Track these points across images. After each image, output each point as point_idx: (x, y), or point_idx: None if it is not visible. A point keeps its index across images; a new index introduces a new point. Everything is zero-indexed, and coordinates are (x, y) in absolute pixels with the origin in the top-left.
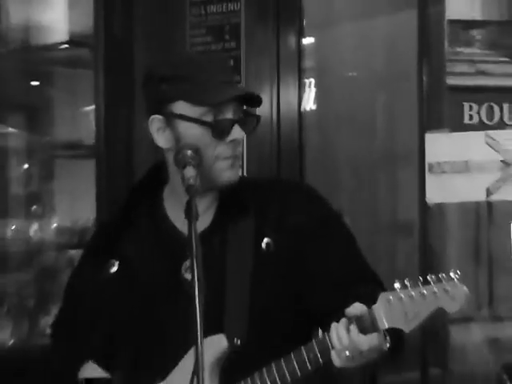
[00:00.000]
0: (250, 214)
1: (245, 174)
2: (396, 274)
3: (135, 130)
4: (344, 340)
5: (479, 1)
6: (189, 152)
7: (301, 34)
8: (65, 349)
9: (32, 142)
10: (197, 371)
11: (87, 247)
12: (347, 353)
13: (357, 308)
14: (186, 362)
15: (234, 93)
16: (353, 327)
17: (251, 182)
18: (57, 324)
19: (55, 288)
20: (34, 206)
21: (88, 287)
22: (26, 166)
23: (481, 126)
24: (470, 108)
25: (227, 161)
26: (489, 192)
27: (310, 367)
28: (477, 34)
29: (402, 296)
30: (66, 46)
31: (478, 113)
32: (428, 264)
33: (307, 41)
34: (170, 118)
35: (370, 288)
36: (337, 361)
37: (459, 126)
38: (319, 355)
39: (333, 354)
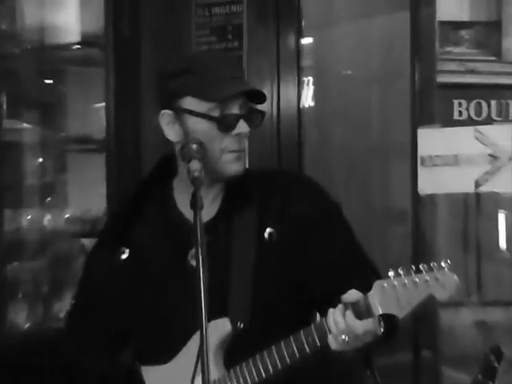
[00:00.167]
0: (253, 204)
1: (247, 166)
2: (389, 261)
3: (143, 125)
4: (340, 325)
5: (467, 3)
6: (194, 146)
7: (300, 35)
8: (79, 333)
9: (46, 136)
10: (201, 353)
11: (100, 236)
12: (343, 337)
13: (352, 295)
14: (192, 344)
15: (240, 89)
16: (349, 313)
17: (255, 174)
18: (72, 310)
19: (68, 274)
20: (48, 197)
21: (101, 273)
22: (40, 159)
23: (470, 122)
24: (460, 104)
25: (233, 154)
26: (477, 184)
27: (308, 350)
28: (465, 34)
29: (396, 284)
30: (78, 46)
31: (467, 109)
32: (420, 251)
33: (306, 41)
34: (179, 113)
35: (366, 275)
36: (333, 344)
37: (449, 122)
38: (317, 339)
39: (330, 338)
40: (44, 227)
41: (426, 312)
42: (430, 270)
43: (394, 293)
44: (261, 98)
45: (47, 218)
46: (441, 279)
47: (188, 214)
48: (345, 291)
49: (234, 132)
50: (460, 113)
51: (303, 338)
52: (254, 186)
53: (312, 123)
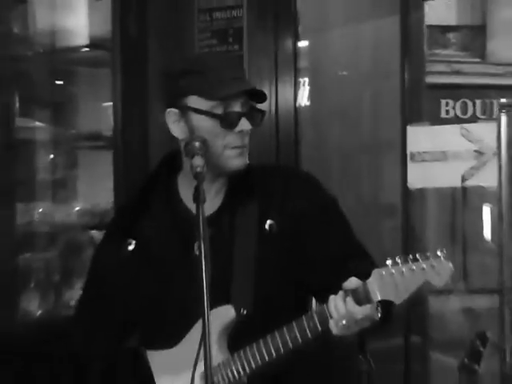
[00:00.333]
0: (255, 198)
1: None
2: (381, 252)
3: (149, 123)
4: (341, 310)
5: (454, 8)
6: (197, 143)
7: (296, 38)
8: (87, 321)
9: (57, 134)
10: (204, 338)
11: (107, 229)
12: (344, 322)
13: (352, 282)
14: (197, 330)
15: (241, 88)
16: (349, 299)
17: (256, 169)
18: (81, 299)
19: (78, 264)
20: (59, 192)
21: (109, 264)
22: (51, 155)
23: (456, 120)
24: (447, 104)
25: (235, 150)
26: (464, 178)
27: (309, 335)
28: (452, 37)
29: (394, 271)
30: (87, 48)
31: (454, 108)
32: (409, 242)
33: (302, 44)
34: (185, 111)
35: (364, 265)
36: (334, 329)
37: (437, 120)
38: (318, 324)
39: (331, 322)
40: (55, 220)
41: (417, 300)
42: (426, 258)
43: (392, 280)
44: (261, 97)
45: (58, 212)
46: (437, 267)
47: (192, 207)
48: (342, 280)
49: (237, 129)
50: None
51: (305, 324)
52: (255, 180)
53: (308, 121)
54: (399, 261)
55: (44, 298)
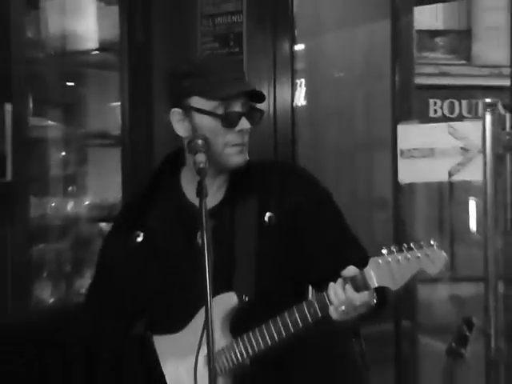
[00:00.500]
0: (254, 192)
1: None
2: (374, 242)
3: (154, 122)
4: (341, 297)
5: (442, 13)
6: (199, 141)
7: (293, 41)
8: (96, 310)
9: (68, 132)
10: (207, 323)
11: (115, 222)
12: (343, 308)
13: (351, 270)
14: (201, 316)
15: (241, 89)
16: (348, 286)
17: (256, 165)
18: (90, 289)
19: (88, 255)
20: (70, 187)
21: (117, 255)
22: (63, 153)
23: (444, 119)
24: (435, 103)
25: (236, 147)
26: (451, 174)
27: (310, 320)
28: (440, 41)
29: (390, 260)
30: (96, 51)
31: (441, 107)
32: (400, 234)
33: (299, 47)
34: (188, 111)
35: (357, 255)
36: (334, 314)
37: (426, 119)
38: (318, 310)
39: (331, 308)
40: (67, 213)
41: (406, 285)
42: (420, 247)
43: (388, 268)
44: (260, 97)
45: (69, 205)
46: (431, 255)
47: (195, 201)
48: (338, 269)
49: (237, 128)
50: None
51: (306, 309)
52: (255, 176)
53: (304, 120)
54: (394, 250)
55: (56, 286)
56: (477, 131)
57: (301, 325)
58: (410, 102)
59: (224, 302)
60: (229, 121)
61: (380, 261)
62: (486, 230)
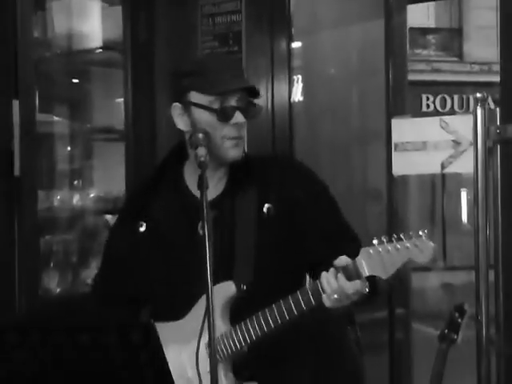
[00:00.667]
0: (254, 185)
1: (247, 151)
2: (368, 232)
3: (157, 118)
4: (333, 285)
5: (434, 12)
6: (200, 135)
7: (290, 39)
8: (103, 296)
9: (74, 128)
10: (208, 311)
11: (120, 213)
12: (335, 296)
13: (343, 260)
14: (202, 303)
15: (236, 85)
16: (340, 275)
17: (256, 159)
18: (97, 278)
19: (94, 246)
20: (76, 180)
21: (122, 245)
22: (69, 147)
23: (436, 113)
24: (427, 99)
25: (232, 141)
26: (443, 166)
27: (304, 307)
28: (432, 38)
29: (380, 250)
30: (101, 50)
31: (434, 102)
32: (393, 225)
33: (295, 45)
34: (187, 106)
35: (351, 245)
36: (327, 302)
37: (418, 113)
38: (312, 298)
39: (324, 297)
40: (73, 206)
41: (400, 274)
42: (410, 237)
43: (379, 257)
44: (255, 93)
45: (75, 198)
46: (420, 245)
47: (197, 192)
48: (333, 258)
49: (232, 122)
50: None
51: (300, 298)
52: (254, 169)
53: (301, 115)
54: (385, 240)
55: (63, 276)
56: (468, 125)
57: (295, 312)
58: (403, 98)
59: (223, 291)
60: (223, 114)
61: (371, 251)
62: (477, 219)
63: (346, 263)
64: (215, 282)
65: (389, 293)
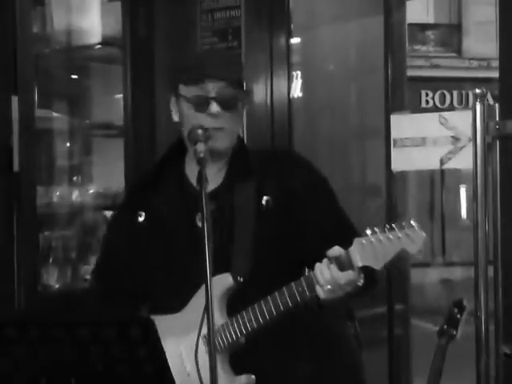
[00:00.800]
0: (253, 177)
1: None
2: (366, 228)
3: (156, 113)
4: (326, 276)
5: (433, 8)
6: (199, 131)
7: (289, 35)
8: (101, 290)
9: (73, 124)
10: (207, 304)
11: (120, 205)
12: (329, 286)
13: (336, 250)
14: (199, 295)
15: (208, 74)
16: (333, 266)
17: (255, 152)
18: (96, 269)
19: (93, 242)
20: (76, 176)
21: (121, 236)
22: (68, 143)
23: (435, 109)
24: (426, 95)
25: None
26: (442, 162)
27: (298, 299)
28: (431, 34)
29: (373, 240)
30: (100, 46)
31: (433, 98)
32: (392, 220)
33: (294, 41)
34: (177, 98)
35: (349, 236)
36: (321, 293)
37: (417, 109)
38: (306, 289)
39: (318, 288)
40: (72, 201)
41: (399, 269)
42: (402, 227)
43: (371, 248)
44: (238, 84)
45: (75, 194)
46: (411, 235)
47: (196, 184)
48: (328, 248)
49: (207, 112)
50: (427, 101)
51: (294, 289)
52: (253, 162)
53: (300, 111)
54: (377, 230)
55: (62, 272)
56: (467, 121)
57: (290, 304)
58: (402, 94)
59: (220, 283)
60: (195, 104)
61: (364, 241)
62: (476, 215)
63: (338, 253)
64: (212, 274)
65: (388, 289)
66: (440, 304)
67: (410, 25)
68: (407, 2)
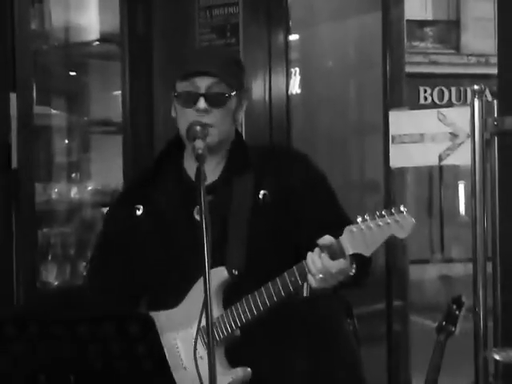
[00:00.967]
0: (251, 172)
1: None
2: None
3: (154, 110)
4: (318, 265)
5: (431, 4)
6: (198, 127)
7: (288, 32)
8: (98, 281)
9: (71, 120)
10: (206, 297)
11: (116, 199)
12: (320, 275)
13: (326, 239)
14: (196, 290)
15: (194, 69)
16: (324, 255)
17: (253, 148)
18: (91, 266)
19: (92, 238)
20: (74, 173)
21: (118, 229)
22: (66, 140)
23: (433, 105)
24: (425, 91)
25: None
26: (440, 158)
27: (291, 288)
28: (429, 31)
29: (363, 227)
30: (98, 42)
31: (431, 95)
32: None
33: (293, 37)
34: (174, 94)
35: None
36: (313, 282)
37: (416, 105)
38: (298, 278)
39: (309, 277)
40: (70, 198)
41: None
42: (391, 214)
43: (361, 235)
44: (225, 80)
45: (73, 191)
46: (400, 221)
47: (194, 180)
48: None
49: (195, 107)
50: (425, 98)
51: (287, 278)
52: (251, 157)
53: (299, 107)
54: (368, 218)
55: (61, 269)
56: (465, 117)
57: (283, 293)
58: (400, 90)
59: (216, 276)
60: (185, 100)
61: (354, 229)
62: (474, 211)
63: (329, 242)
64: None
65: (387, 285)
66: (439, 300)
67: (408, 21)
68: None
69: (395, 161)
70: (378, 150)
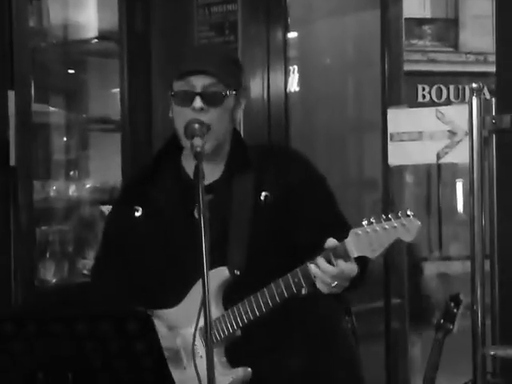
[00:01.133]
0: (252, 172)
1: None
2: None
3: (152, 108)
4: (324, 268)
5: (429, 2)
6: (196, 125)
7: (286, 30)
8: (102, 282)
9: (70, 118)
10: (204, 297)
11: (117, 199)
12: (328, 279)
13: (332, 242)
14: (196, 289)
15: (188, 68)
16: (337, 261)
17: (254, 147)
18: (95, 265)
19: (90, 236)
20: (72, 171)
21: (118, 230)
22: (65, 138)
23: (431, 103)
24: (423, 89)
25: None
26: (438, 156)
27: (294, 290)
28: (428, 29)
29: (368, 230)
30: (97, 40)
31: (430, 93)
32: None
33: (291, 35)
34: (171, 93)
35: (342, 234)
36: (320, 286)
37: (414, 103)
38: (302, 279)
39: (316, 281)
40: (69, 196)
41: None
42: (397, 217)
43: (367, 238)
44: (222, 78)
45: (71, 189)
46: (406, 225)
47: (193, 178)
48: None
49: (191, 107)
50: (423, 96)
51: (290, 279)
52: (252, 157)
53: (297, 105)
54: (373, 220)
55: (59, 267)
56: (463, 115)
57: (286, 295)
58: (399, 88)
59: (217, 276)
60: (181, 99)
61: (359, 231)
62: (472, 209)
63: (335, 245)
64: (209, 267)
65: (385, 283)
66: (437, 298)
67: (406, 19)
68: None
69: (393, 159)
70: (377, 147)
